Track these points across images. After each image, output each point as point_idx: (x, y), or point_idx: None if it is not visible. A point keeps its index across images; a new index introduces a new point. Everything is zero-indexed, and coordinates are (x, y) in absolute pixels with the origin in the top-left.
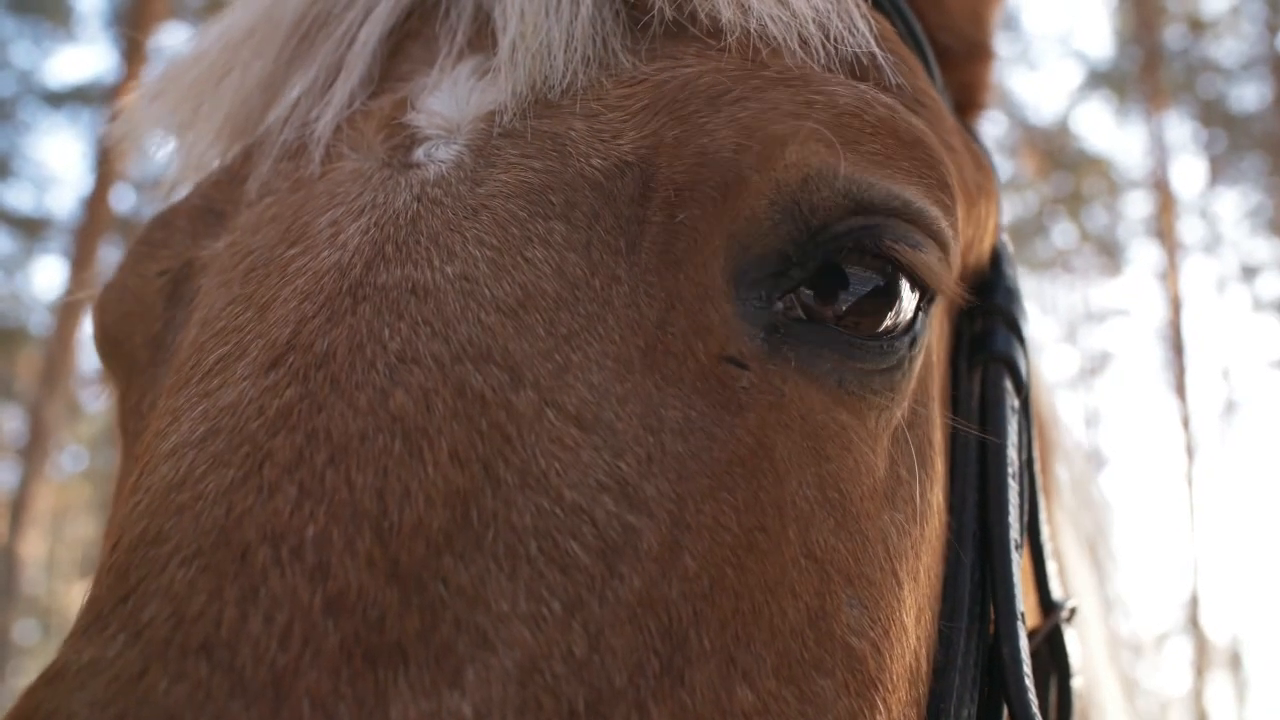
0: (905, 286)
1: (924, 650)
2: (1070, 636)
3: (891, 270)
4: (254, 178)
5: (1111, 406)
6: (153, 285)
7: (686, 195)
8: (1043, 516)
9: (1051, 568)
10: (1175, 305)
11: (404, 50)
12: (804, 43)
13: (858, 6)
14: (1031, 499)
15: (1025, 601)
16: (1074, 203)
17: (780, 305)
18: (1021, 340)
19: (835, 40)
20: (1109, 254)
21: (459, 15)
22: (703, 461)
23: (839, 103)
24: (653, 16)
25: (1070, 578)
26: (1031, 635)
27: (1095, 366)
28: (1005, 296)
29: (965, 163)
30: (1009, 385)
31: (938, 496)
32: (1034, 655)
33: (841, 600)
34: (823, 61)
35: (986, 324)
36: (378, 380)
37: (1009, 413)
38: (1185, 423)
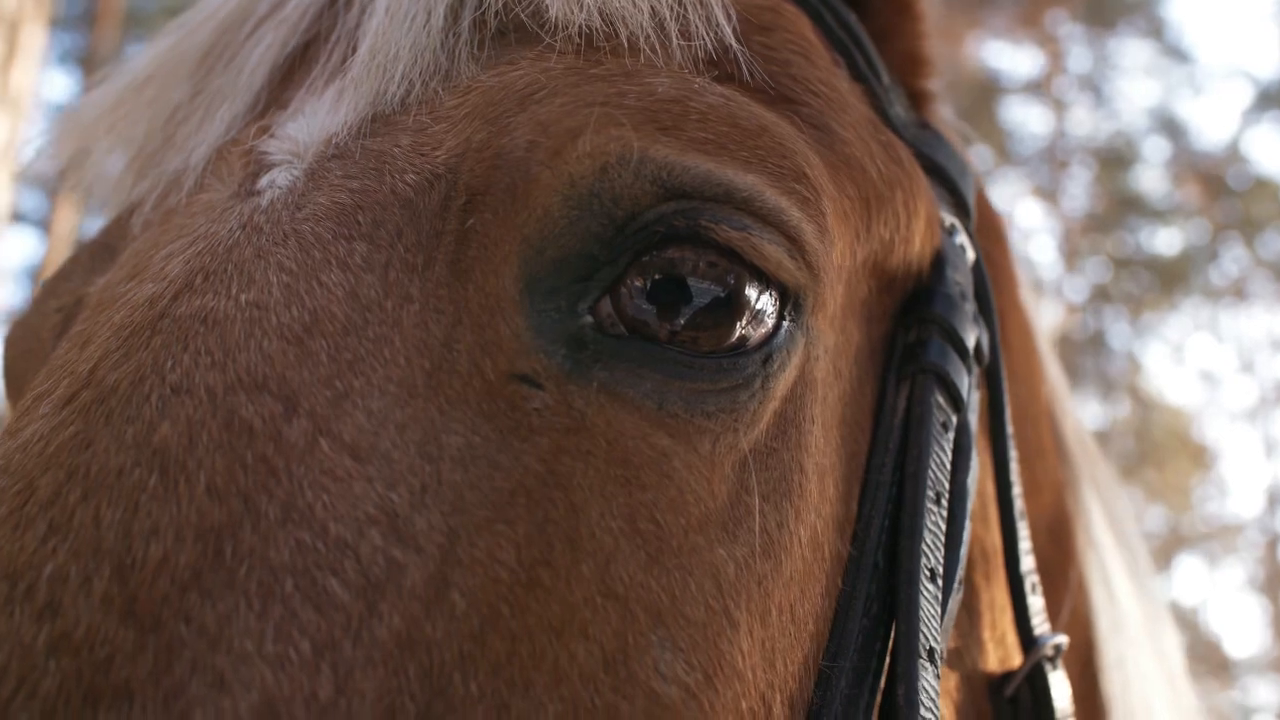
0: (755, 290)
1: (780, 695)
2: (1055, 678)
3: (734, 272)
4: (138, 212)
5: None
6: (50, 321)
7: (478, 200)
8: (1024, 546)
9: (1035, 602)
10: None
11: (294, 75)
12: (646, 39)
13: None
14: (1006, 525)
15: (1003, 640)
16: (1246, 229)
17: (589, 318)
18: (962, 353)
19: (685, 33)
20: None
21: (340, 36)
22: (481, 491)
23: (657, 91)
24: (494, 20)
25: (1116, 612)
26: (1008, 677)
27: (1275, 396)
28: (944, 304)
29: (867, 155)
30: (940, 400)
31: (814, 526)
32: (1011, 700)
33: (649, 642)
34: (678, 59)
35: (920, 334)
36: (148, 413)
37: (936, 430)
38: None
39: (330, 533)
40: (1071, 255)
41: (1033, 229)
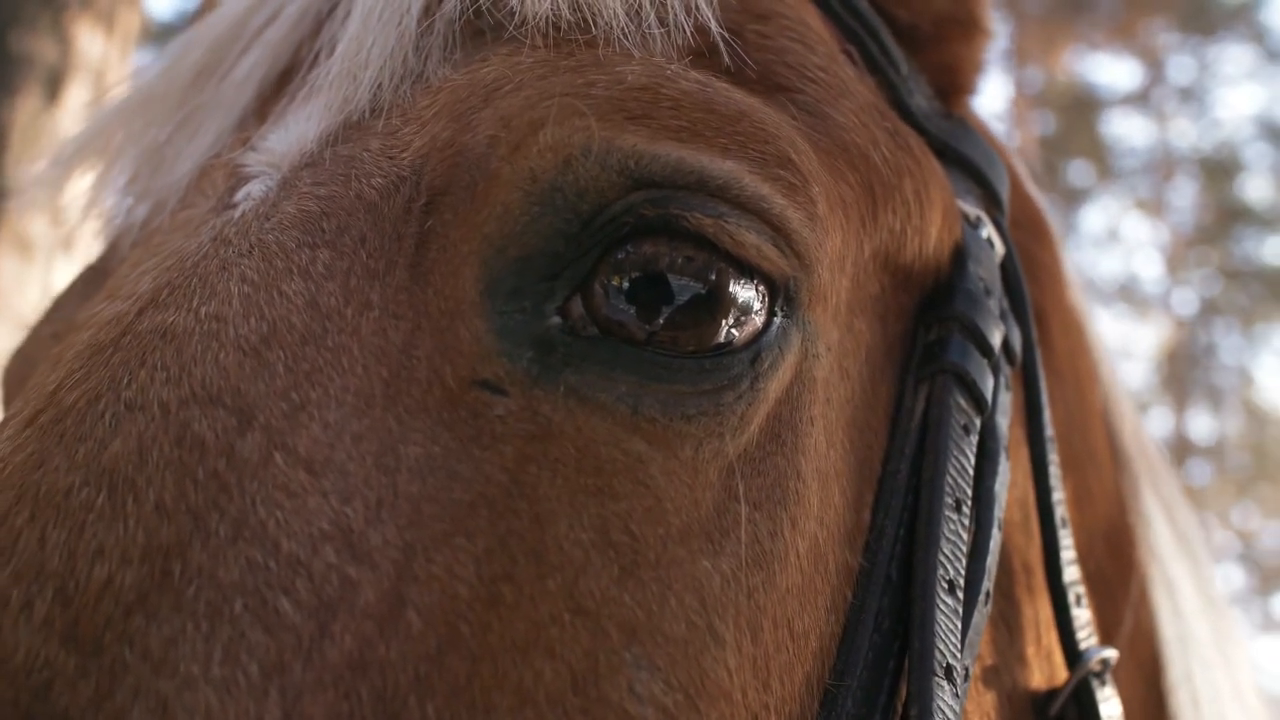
0: (738, 284)
1: (776, 717)
2: (1104, 694)
3: (714, 266)
4: (128, 233)
5: None
6: (44, 348)
7: (439, 200)
8: (1067, 556)
9: (1080, 615)
10: None
11: (280, 89)
12: (620, 28)
13: None
14: (1046, 533)
15: (1049, 657)
16: None
17: (558, 319)
18: (986, 352)
19: (665, 23)
20: None
21: (321, 48)
22: (439, 504)
23: (626, 80)
24: (469, 20)
25: (1182, 625)
26: (1052, 695)
27: None
28: (965, 300)
29: (870, 142)
30: (960, 402)
31: (814, 536)
32: (1057, 719)
33: (622, 660)
34: (659, 49)
35: (940, 333)
36: (100, 431)
37: (956, 433)
38: None
39: (282, 550)
40: (1178, 268)
41: (1138, 243)
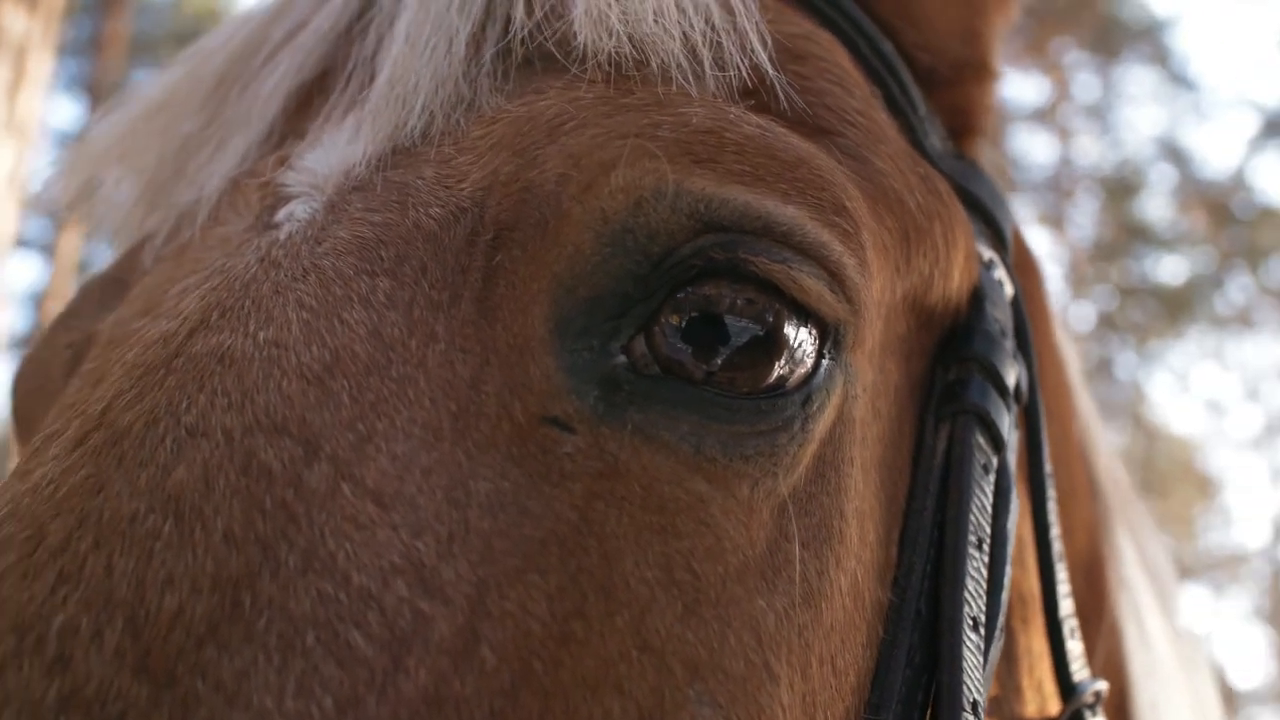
0: (794, 327)
1: None
2: None
3: (773, 309)
4: (149, 245)
5: None
6: (60, 358)
7: (506, 236)
8: (1062, 590)
9: (1074, 647)
10: None
11: (310, 105)
12: (678, 67)
13: (754, 22)
14: (1044, 568)
15: (1040, 688)
16: (1252, 256)
17: (623, 358)
18: (1003, 393)
19: (719, 62)
20: None
21: (356, 65)
22: (511, 540)
23: (691, 122)
24: (519, 49)
25: (1150, 654)
26: None
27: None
28: (984, 342)
29: (906, 187)
30: (981, 441)
31: (854, 573)
32: None
33: (686, 697)
34: (711, 88)
35: (960, 373)
36: (162, 457)
37: (978, 472)
38: None
39: (353, 583)
40: (1078, 283)
41: (1040, 257)
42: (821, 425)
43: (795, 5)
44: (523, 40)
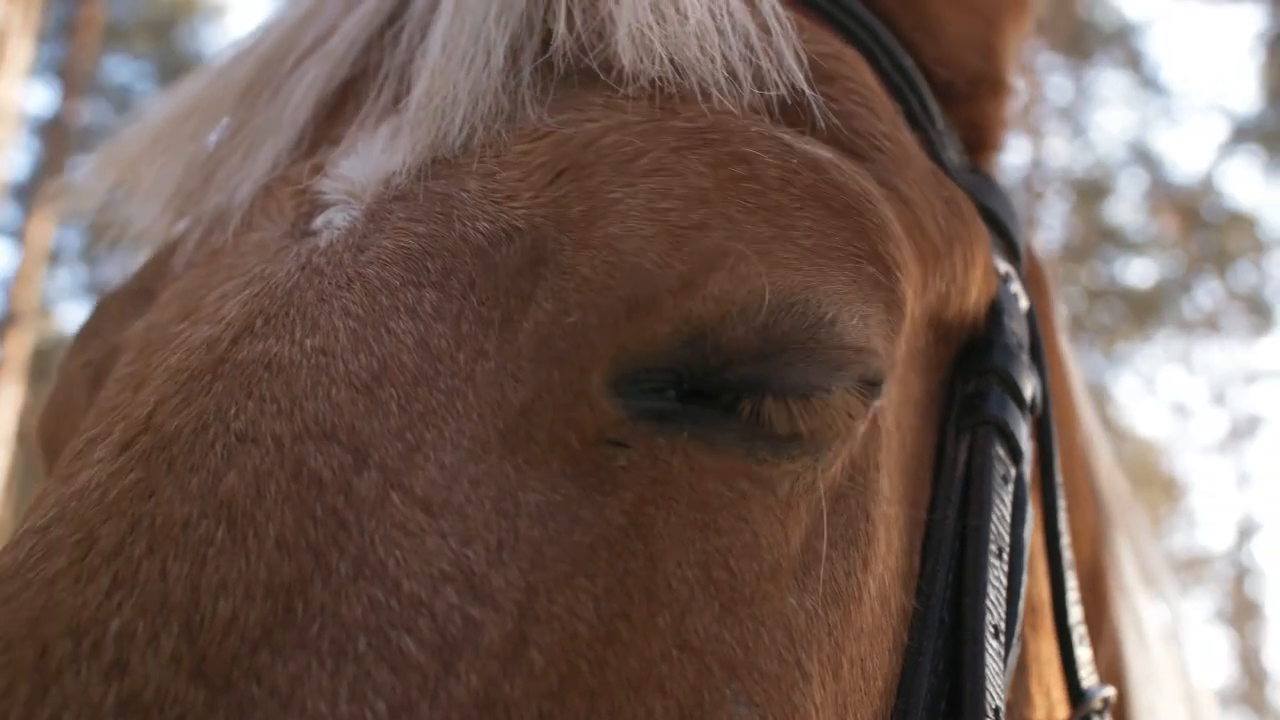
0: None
1: None
2: None
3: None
4: (180, 251)
5: (1263, 471)
6: (79, 379)
7: (586, 298)
8: (1072, 597)
9: (1083, 654)
10: None
11: (341, 111)
12: (717, 86)
13: (790, 42)
14: (1055, 575)
15: (1049, 694)
16: (1220, 261)
17: (673, 393)
18: (1020, 404)
19: (759, 81)
20: (1258, 313)
21: (389, 72)
22: (561, 546)
23: (766, 176)
24: (560, 64)
25: (1148, 660)
26: None
27: (1245, 430)
28: (1002, 354)
29: (929, 213)
30: (1000, 452)
31: (881, 578)
32: None
33: (724, 697)
34: (746, 102)
35: (979, 385)
36: (213, 462)
37: (997, 483)
38: None
39: (404, 590)
40: None
41: (1047, 268)
42: (860, 429)
43: (823, 21)
44: (565, 56)
